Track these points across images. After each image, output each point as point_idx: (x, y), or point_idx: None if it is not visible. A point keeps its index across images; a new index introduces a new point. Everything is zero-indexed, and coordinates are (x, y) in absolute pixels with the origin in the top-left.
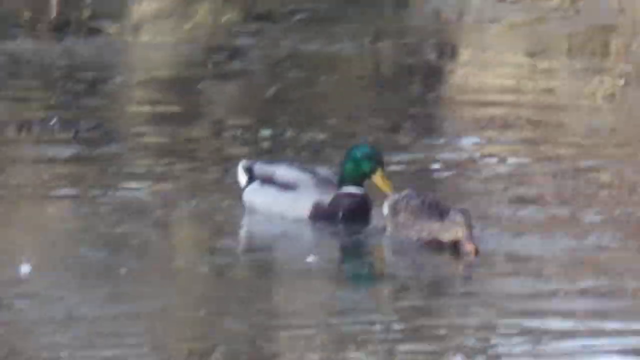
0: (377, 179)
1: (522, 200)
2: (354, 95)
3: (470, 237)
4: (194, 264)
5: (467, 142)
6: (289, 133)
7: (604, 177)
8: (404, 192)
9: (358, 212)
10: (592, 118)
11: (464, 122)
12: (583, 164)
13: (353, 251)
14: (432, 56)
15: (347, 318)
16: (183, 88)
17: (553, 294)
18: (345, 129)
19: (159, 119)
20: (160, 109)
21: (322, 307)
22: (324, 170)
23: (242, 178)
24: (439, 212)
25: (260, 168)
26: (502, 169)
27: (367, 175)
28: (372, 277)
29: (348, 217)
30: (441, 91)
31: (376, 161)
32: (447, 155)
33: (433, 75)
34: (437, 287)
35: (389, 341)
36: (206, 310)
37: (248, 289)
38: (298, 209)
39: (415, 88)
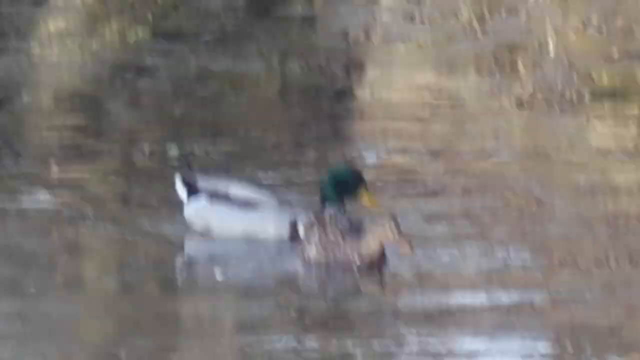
0: (364, 198)
1: (430, 216)
2: (262, 114)
3: (402, 237)
4: (102, 280)
5: (374, 157)
6: (197, 150)
7: (512, 192)
8: (328, 212)
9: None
10: (499, 135)
11: (371, 138)
12: (491, 179)
13: (261, 267)
14: (340, 75)
15: (254, 334)
16: (91, 106)
17: (461, 309)
18: (252, 146)
19: (66, 137)
20: (68, 127)
21: (229, 323)
22: (263, 189)
23: (182, 192)
24: (356, 230)
25: (206, 183)
26: (409, 185)
27: (351, 196)
28: (280, 292)
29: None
30: (348, 109)
31: (360, 181)
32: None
33: (341, 94)
34: (342, 304)
35: (297, 355)
36: (114, 326)
37: (156, 305)
38: (273, 228)
39: (323, 106)
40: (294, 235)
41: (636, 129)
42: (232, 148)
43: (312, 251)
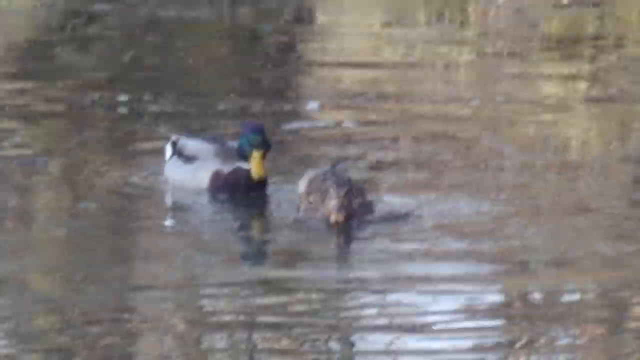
0: (252, 160)
1: (380, 165)
2: (211, 60)
3: (338, 208)
4: (52, 228)
5: (321, 106)
6: (146, 98)
7: (461, 141)
8: (320, 170)
9: (251, 187)
10: (449, 85)
11: (320, 86)
12: (440, 127)
13: (218, 218)
14: (289, 21)
15: (201, 280)
16: (40, 53)
17: (409, 257)
18: (201, 94)
19: (16, 84)
20: (18, 73)
21: (178, 270)
22: (233, 143)
23: (168, 152)
24: (357, 192)
25: (180, 142)
26: (358, 133)
27: (247, 156)
28: (230, 244)
29: (244, 190)
30: (297, 56)
31: (253, 144)
32: (302, 121)
33: (290, 40)
34: (296, 254)
35: (248, 297)
36: (63, 274)
37: (106, 252)
38: (197, 179)
39: (272, 53)
40: (213, 185)
41: (585, 76)
42: (178, 97)
43: (300, 211)
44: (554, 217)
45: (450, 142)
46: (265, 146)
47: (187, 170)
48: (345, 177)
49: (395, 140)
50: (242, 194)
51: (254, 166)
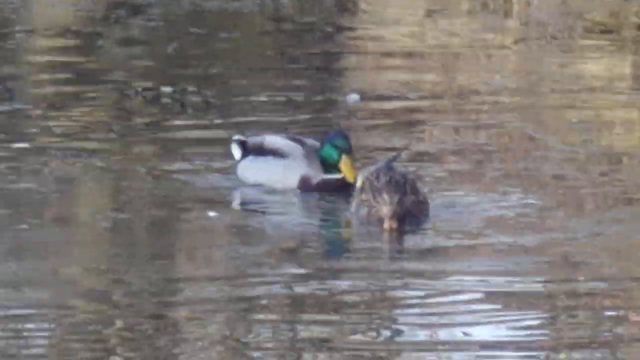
0: (342, 165)
1: (423, 157)
2: (255, 52)
3: (391, 215)
4: (96, 219)
5: (368, 98)
6: (190, 89)
7: (504, 132)
8: (376, 166)
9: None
10: (491, 73)
11: (365, 77)
12: (484, 119)
13: (266, 211)
14: (332, 11)
15: (248, 275)
16: (85, 44)
17: (454, 251)
18: (245, 86)
19: (61, 76)
20: (63, 64)
21: (223, 262)
22: (310, 140)
23: (237, 153)
24: (409, 190)
25: (251, 140)
26: (401, 124)
27: (336, 162)
28: (276, 237)
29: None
30: (342, 47)
31: (341, 148)
32: (344, 111)
33: (332, 30)
34: (330, 253)
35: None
36: (107, 266)
37: (150, 244)
38: (287, 178)
39: (315, 43)
40: (303, 185)
41: (629, 65)
42: (223, 89)
43: (352, 207)
44: (597, 208)
45: (494, 132)
46: (351, 150)
47: (275, 168)
48: (400, 176)
49: (438, 130)
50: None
51: (347, 170)
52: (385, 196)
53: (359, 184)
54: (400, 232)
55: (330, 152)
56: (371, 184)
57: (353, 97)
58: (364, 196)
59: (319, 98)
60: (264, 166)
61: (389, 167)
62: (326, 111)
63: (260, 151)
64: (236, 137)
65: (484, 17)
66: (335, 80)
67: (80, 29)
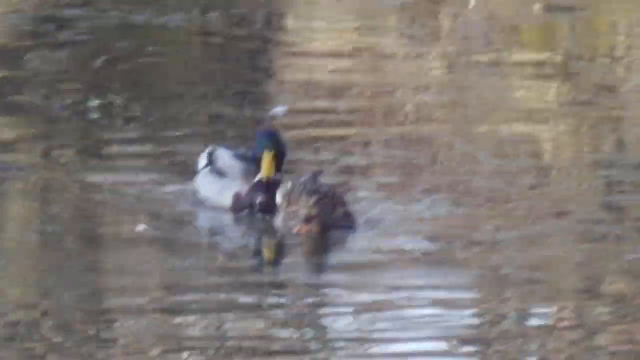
0: (263, 161)
1: (352, 170)
2: (182, 65)
3: (305, 218)
4: (24, 234)
5: (296, 111)
6: (118, 102)
7: (434, 146)
8: (302, 179)
9: (272, 202)
10: (422, 88)
11: (292, 90)
12: (414, 133)
13: (186, 222)
14: (260, 26)
15: (177, 288)
16: (11, 58)
17: (380, 263)
18: (172, 99)
19: None
20: None
21: (152, 276)
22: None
23: (201, 163)
24: (336, 202)
25: (214, 155)
26: (330, 139)
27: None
28: (202, 248)
29: (264, 208)
30: (269, 60)
31: (265, 146)
32: (271, 123)
33: (260, 46)
34: (261, 261)
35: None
36: (34, 279)
37: (78, 258)
38: (221, 198)
39: (243, 57)
40: (236, 206)
41: (559, 83)
42: (150, 102)
43: (278, 222)
44: (526, 221)
45: (423, 145)
46: (276, 147)
47: (215, 187)
48: (327, 187)
49: (366, 144)
50: (261, 205)
51: (264, 166)
52: (303, 198)
53: (279, 197)
54: (322, 240)
55: (257, 149)
56: (295, 196)
57: (279, 109)
58: (291, 208)
59: (245, 111)
60: (206, 183)
61: (314, 180)
62: (253, 124)
63: (213, 167)
64: (209, 148)
65: (413, 32)
66: (261, 94)
67: (7, 44)
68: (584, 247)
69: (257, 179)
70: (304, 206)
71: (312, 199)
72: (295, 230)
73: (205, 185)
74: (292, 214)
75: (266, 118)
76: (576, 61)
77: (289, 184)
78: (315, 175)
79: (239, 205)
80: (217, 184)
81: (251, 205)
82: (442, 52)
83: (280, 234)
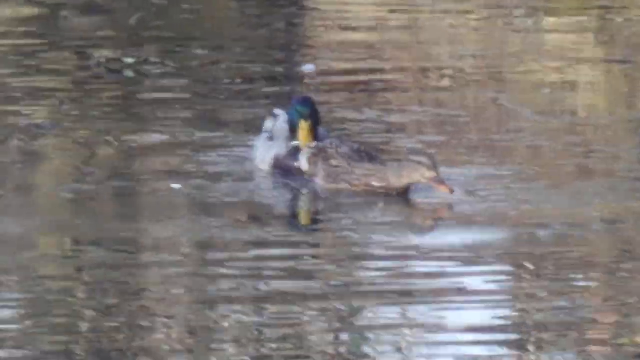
0: (300, 130)
1: (395, 128)
2: (218, 23)
3: (441, 179)
4: (59, 190)
5: (331, 69)
6: (153, 60)
7: (477, 103)
8: (328, 140)
9: None
10: (455, 44)
11: (328, 47)
12: (447, 90)
13: (224, 181)
14: None
15: (210, 248)
16: (46, 18)
17: (421, 225)
18: (209, 57)
19: (23, 43)
20: (25, 33)
21: (185, 235)
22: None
23: (265, 126)
24: (373, 158)
25: (278, 118)
26: (363, 95)
27: (297, 128)
28: (238, 209)
29: (301, 172)
30: (304, 19)
31: (300, 113)
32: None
33: (298, 6)
34: (298, 221)
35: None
36: (69, 237)
37: (113, 216)
38: (265, 160)
39: (279, 17)
40: (275, 167)
41: (595, 36)
42: (186, 60)
43: (320, 181)
44: (561, 179)
45: (459, 102)
46: (312, 116)
47: (262, 150)
48: (358, 144)
49: (407, 103)
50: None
51: (301, 136)
52: (423, 159)
53: (308, 159)
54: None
55: (292, 116)
56: (336, 152)
57: (309, 67)
58: (333, 162)
59: (277, 68)
60: (258, 146)
61: (340, 140)
62: (288, 83)
63: (265, 133)
64: (275, 111)
65: None
66: (296, 53)
67: (40, 3)
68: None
69: (293, 144)
70: (426, 166)
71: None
72: (443, 191)
73: (257, 147)
74: (333, 171)
75: (296, 76)
76: (613, 16)
77: (312, 147)
78: (340, 138)
79: (279, 168)
80: (264, 146)
81: (289, 169)
82: (475, 7)
83: (323, 194)
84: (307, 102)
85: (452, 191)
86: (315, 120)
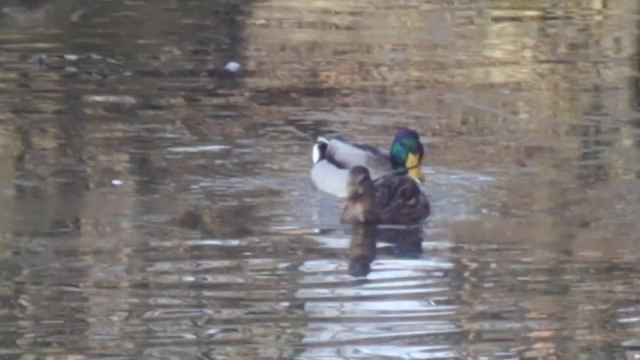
0: (409, 164)
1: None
2: (160, 20)
3: (350, 194)
4: (0, 188)
5: (269, 66)
6: (95, 57)
7: (462, 111)
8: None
9: None
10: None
11: (271, 45)
12: (393, 85)
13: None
14: None
15: (154, 240)
16: None
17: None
18: (151, 54)
19: None
20: None
21: (126, 227)
22: (385, 150)
23: (315, 156)
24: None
25: (329, 146)
26: (321, 90)
27: (404, 161)
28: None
29: None
30: (246, 17)
31: (409, 147)
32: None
33: (241, 2)
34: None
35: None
36: (11, 231)
37: (54, 210)
38: (334, 186)
39: (220, 13)
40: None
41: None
42: (127, 57)
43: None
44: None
45: (451, 109)
46: (420, 150)
47: (338, 177)
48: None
49: (350, 103)
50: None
51: (414, 170)
52: (350, 177)
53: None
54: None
55: (398, 150)
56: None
57: (232, 65)
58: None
59: (205, 67)
60: (327, 174)
61: (395, 175)
62: (213, 78)
63: (331, 159)
64: (320, 139)
65: None
66: (229, 49)
67: None
68: None
69: (393, 172)
70: (349, 183)
71: (359, 177)
72: (342, 206)
73: (326, 174)
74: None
75: (221, 72)
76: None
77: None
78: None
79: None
80: (340, 172)
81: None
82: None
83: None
84: (413, 135)
85: (345, 207)
86: (421, 153)
